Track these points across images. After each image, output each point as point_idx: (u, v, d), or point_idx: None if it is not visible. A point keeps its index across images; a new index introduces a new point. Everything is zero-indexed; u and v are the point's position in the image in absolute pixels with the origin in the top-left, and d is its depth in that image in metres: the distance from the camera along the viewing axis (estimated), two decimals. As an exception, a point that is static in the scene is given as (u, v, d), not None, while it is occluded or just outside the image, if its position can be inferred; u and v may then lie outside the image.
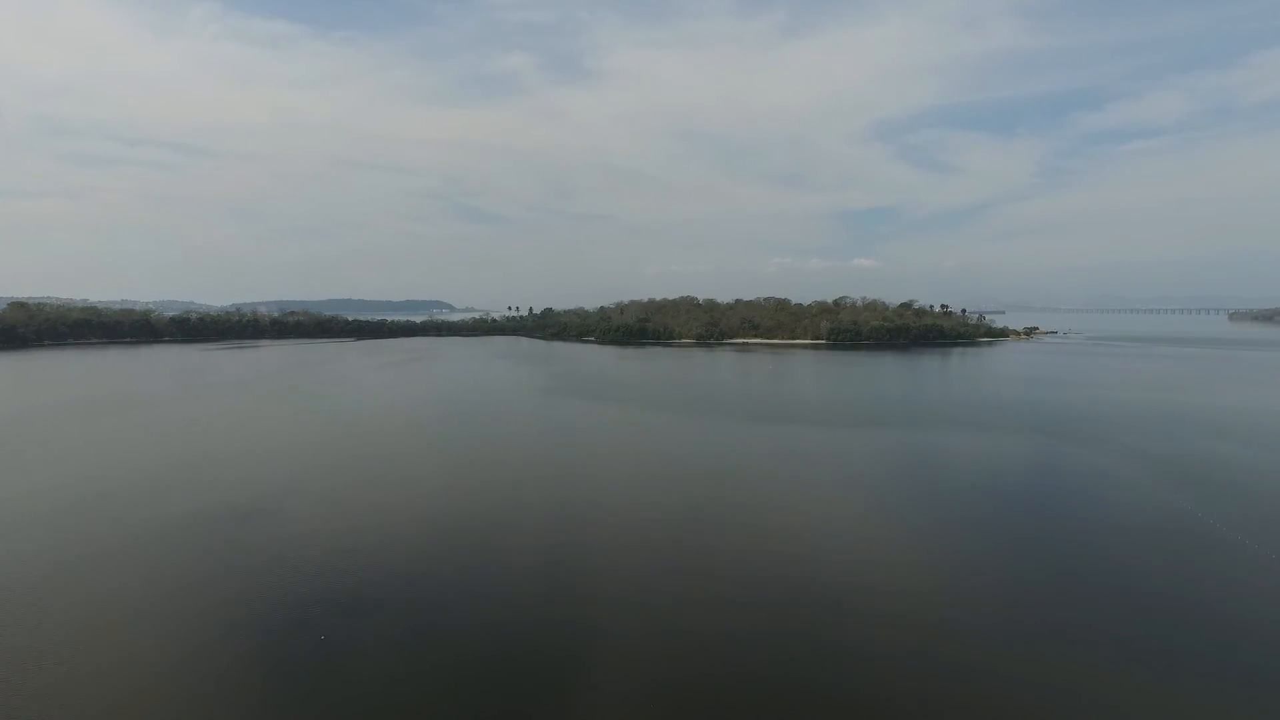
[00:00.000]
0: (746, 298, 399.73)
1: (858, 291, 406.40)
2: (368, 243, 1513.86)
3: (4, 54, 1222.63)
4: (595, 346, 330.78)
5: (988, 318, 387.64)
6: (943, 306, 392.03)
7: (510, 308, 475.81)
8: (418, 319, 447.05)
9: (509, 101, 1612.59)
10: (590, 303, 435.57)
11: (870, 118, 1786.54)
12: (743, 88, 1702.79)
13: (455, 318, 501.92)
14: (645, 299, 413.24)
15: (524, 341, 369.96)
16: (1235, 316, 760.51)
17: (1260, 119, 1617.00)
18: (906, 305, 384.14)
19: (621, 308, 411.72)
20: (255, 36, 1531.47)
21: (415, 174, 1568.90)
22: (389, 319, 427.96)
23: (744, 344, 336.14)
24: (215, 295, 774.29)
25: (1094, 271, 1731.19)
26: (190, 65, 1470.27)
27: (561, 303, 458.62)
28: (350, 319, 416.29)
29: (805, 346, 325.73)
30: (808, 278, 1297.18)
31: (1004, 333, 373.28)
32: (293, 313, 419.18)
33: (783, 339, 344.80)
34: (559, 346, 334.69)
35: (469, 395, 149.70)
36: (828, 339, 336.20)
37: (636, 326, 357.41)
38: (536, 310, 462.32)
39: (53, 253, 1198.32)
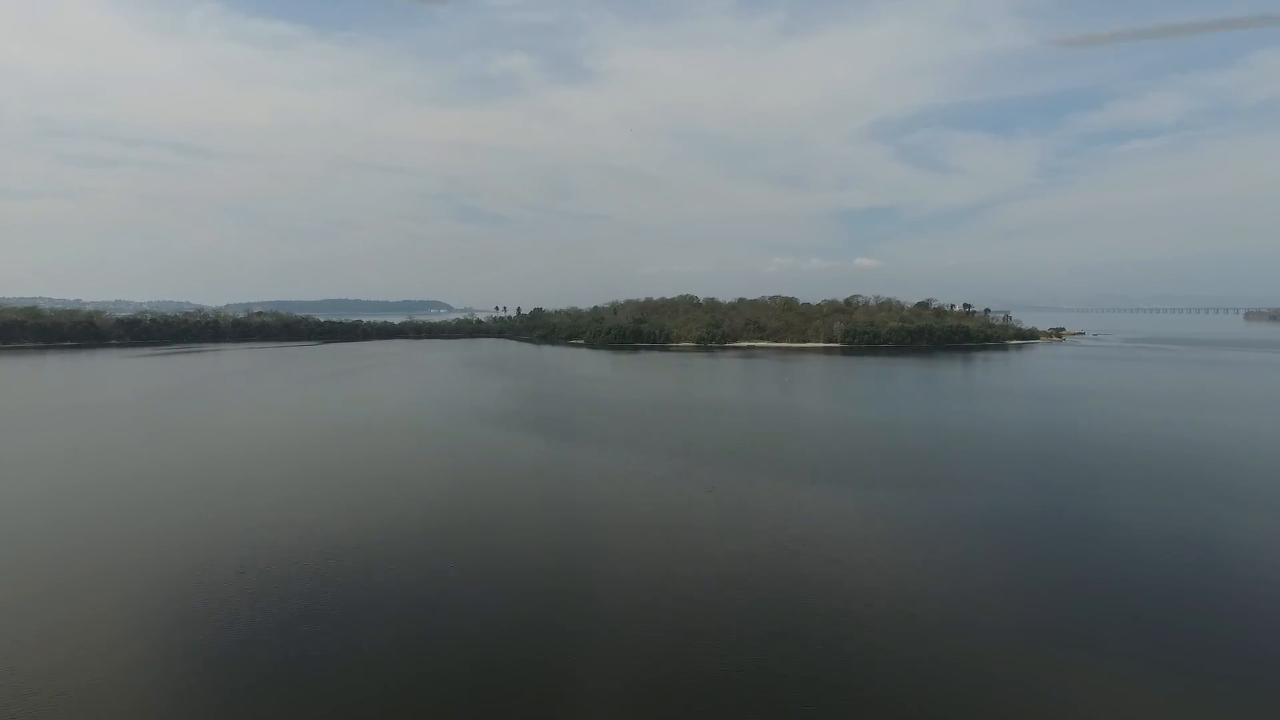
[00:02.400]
0: (749, 297, 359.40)
1: (859, 291, 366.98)
2: (368, 243, 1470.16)
3: (4, 55, 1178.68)
4: (585, 351, 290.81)
5: (1013, 318, 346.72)
6: (965, 306, 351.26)
7: (498, 308, 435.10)
8: (401, 320, 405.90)
9: (509, 102, 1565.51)
10: (590, 303, 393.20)
11: (870, 118, 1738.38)
12: (742, 88, 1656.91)
13: (452, 318, 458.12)
14: (642, 298, 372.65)
15: (508, 345, 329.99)
16: (1251, 316, 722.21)
17: (1260, 118, 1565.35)
18: (924, 304, 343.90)
19: (615, 308, 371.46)
20: (255, 37, 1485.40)
21: (415, 174, 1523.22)
22: (365, 319, 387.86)
23: (749, 348, 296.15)
24: (212, 296, 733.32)
25: (1095, 270, 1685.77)
26: (190, 66, 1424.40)
27: (562, 303, 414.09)
28: (322, 320, 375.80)
29: (817, 350, 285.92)
30: (808, 277, 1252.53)
31: (1033, 334, 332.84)
32: (259, 313, 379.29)
33: (792, 342, 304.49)
34: (545, 351, 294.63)
35: (392, 427, 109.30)
36: (843, 342, 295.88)
37: (630, 329, 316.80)
38: (525, 310, 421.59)
39: (53, 254, 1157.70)
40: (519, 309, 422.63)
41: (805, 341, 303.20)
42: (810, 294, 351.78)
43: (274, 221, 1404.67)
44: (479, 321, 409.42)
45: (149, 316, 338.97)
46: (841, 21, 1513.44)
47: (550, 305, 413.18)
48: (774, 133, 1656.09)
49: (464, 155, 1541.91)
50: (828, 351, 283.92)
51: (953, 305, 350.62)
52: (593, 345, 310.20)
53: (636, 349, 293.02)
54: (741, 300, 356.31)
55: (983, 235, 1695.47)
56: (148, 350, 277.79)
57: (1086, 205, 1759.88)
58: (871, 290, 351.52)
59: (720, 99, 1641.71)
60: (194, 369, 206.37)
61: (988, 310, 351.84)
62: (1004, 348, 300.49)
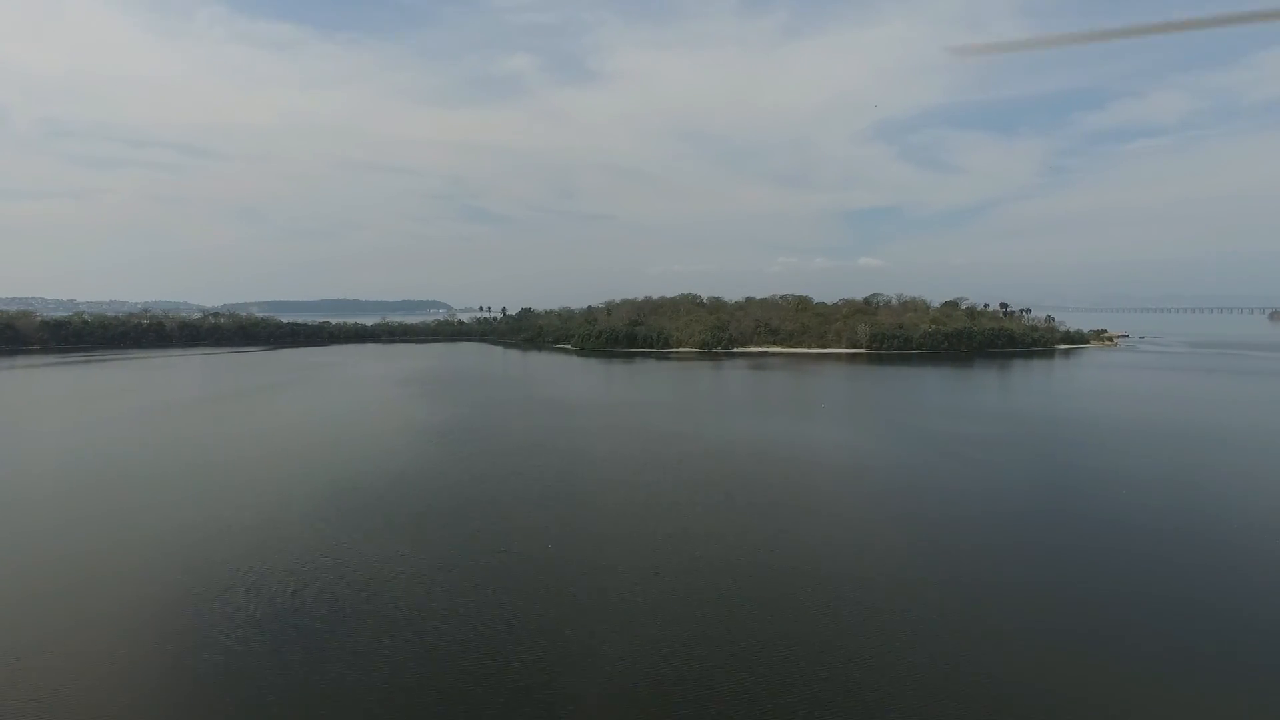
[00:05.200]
0: (754, 296, 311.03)
1: (865, 290, 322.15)
2: (371, 244, 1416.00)
3: (11, 57, 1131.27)
4: (572, 358, 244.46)
5: (1056, 320, 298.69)
6: (1002, 305, 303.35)
7: (481, 308, 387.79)
8: (373, 322, 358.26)
9: (512, 102, 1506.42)
10: (591, 304, 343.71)
11: (872, 117, 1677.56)
12: (745, 88, 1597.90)
13: (432, 319, 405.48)
14: (640, 297, 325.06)
15: (488, 351, 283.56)
16: (1277, 316, 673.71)
17: (1263, 118, 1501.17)
18: (953, 304, 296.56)
19: (610, 308, 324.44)
20: (260, 39, 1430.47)
21: (419, 175, 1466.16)
22: (332, 321, 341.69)
23: (761, 354, 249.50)
24: (213, 296, 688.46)
25: (1100, 270, 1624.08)
26: (196, 67, 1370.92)
27: (565, 304, 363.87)
28: (285, 321, 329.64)
29: (839, 357, 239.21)
30: (813, 277, 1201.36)
31: (1082, 338, 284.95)
32: (215, 314, 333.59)
33: (809, 347, 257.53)
34: (526, 359, 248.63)
35: (152, 515, 62.88)
36: (869, 347, 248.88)
37: (625, 332, 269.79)
38: (513, 310, 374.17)
39: (58, 255, 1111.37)
40: (504, 309, 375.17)
41: (825, 347, 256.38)
42: (815, 293, 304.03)
43: (278, 222, 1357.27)
44: (460, 323, 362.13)
45: (84, 317, 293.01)
46: (844, 22, 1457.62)
47: (554, 306, 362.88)
48: (777, 132, 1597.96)
49: (468, 155, 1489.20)
50: (851, 358, 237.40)
51: (986, 305, 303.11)
52: (581, 351, 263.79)
53: (631, 356, 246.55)
54: (749, 299, 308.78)
55: (987, 234, 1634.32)
56: (75, 356, 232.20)
57: (1090, 205, 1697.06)
58: (876, 290, 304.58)
59: (723, 99, 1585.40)
60: (57, 384, 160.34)
61: (1027, 310, 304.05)
62: (1051, 353, 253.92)
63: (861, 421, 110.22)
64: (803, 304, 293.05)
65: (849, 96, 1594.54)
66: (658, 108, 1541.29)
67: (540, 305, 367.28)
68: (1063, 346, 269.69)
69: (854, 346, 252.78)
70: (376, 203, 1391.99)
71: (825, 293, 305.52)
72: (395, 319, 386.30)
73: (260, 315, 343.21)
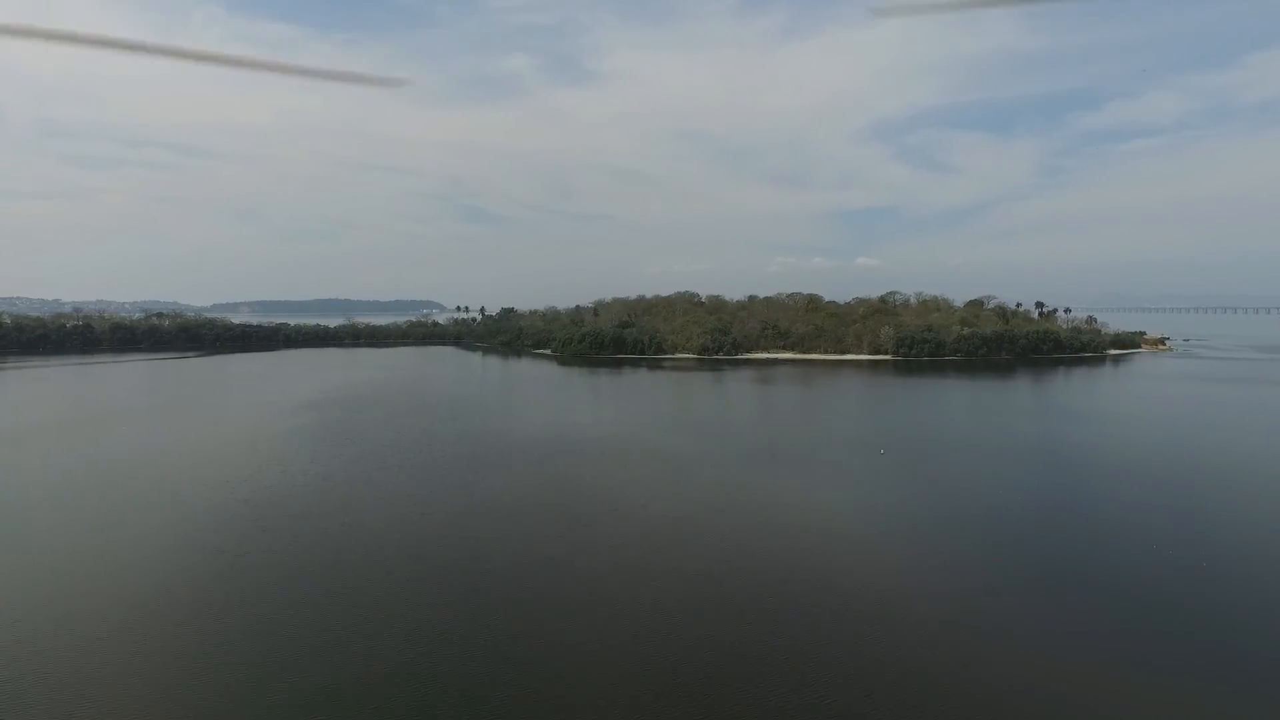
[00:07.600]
0: (754, 296, 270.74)
1: (864, 291, 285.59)
2: (369, 244, 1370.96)
3: (7, 57, 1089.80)
4: (551, 367, 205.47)
5: (1099, 321, 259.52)
6: (1038, 305, 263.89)
7: (460, 308, 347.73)
8: (337, 323, 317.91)
9: (510, 103, 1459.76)
10: (584, 304, 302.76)
11: (869, 118, 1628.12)
12: (743, 88, 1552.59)
13: (444, 318, 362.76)
14: (634, 296, 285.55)
15: (457, 356, 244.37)
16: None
17: (1258, 119, 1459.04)
18: (978, 303, 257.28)
19: (599, 307, 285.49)
20: (257, 39, 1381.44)
21: (417, 175, 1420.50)
22: (290, 323, 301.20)
23: (769, 361, 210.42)
24: (206, 296, 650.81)
25: (1097, 270, 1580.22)
26: (193, 68, 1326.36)
27: (562, 303, 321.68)
28: (237, 324, 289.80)
29: (860, 364, 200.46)
30: (811, 277, 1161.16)
31: (1133, 342, 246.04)
32: (160, 314, 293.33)
33: (825, 352, 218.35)
34: (496, 366, 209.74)
35: None
36: (894, 353, 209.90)
37: (612, 335, 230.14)
38: (497, 311, 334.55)
39: (53, 254, 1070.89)
40: (482, 309, 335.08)
41: (843, 352, 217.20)
42: (816, 293, 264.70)
43: (275, 222, 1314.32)
44: (434, 324, 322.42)
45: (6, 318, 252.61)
46: (841, 23, 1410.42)
47: (553, 306, 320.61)
48: (775, 133, 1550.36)
49: (465, 156, 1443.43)
50: (874, 365, 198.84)
51: (1019, 305, 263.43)
52: (562, 358, 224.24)
53: (619, 363, 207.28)
54: (753, 298, 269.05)
55: (984, 234, 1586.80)
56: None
57: (1087, 205, 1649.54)
58: (876, 290, 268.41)
59: (721, 100, 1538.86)
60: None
61: (1067, 309, 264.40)
62: (1103, 359, 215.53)
63: (963, 487, 70.67)
64: (813, 303, 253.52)
65: (846, 97, 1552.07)
66: (655, 108, 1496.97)
67: (539, 306, 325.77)
68: (1113, 352, 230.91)
69: (877, 352, 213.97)
70: (374, 203, 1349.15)
71: (825, 293, 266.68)
72: (382, 319, 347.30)
73: (211, 316, 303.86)
